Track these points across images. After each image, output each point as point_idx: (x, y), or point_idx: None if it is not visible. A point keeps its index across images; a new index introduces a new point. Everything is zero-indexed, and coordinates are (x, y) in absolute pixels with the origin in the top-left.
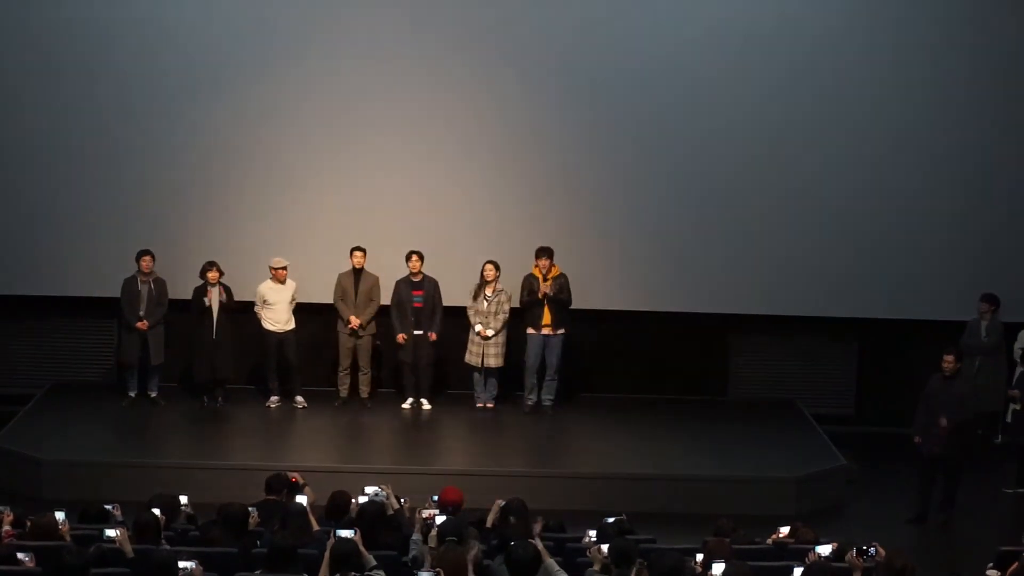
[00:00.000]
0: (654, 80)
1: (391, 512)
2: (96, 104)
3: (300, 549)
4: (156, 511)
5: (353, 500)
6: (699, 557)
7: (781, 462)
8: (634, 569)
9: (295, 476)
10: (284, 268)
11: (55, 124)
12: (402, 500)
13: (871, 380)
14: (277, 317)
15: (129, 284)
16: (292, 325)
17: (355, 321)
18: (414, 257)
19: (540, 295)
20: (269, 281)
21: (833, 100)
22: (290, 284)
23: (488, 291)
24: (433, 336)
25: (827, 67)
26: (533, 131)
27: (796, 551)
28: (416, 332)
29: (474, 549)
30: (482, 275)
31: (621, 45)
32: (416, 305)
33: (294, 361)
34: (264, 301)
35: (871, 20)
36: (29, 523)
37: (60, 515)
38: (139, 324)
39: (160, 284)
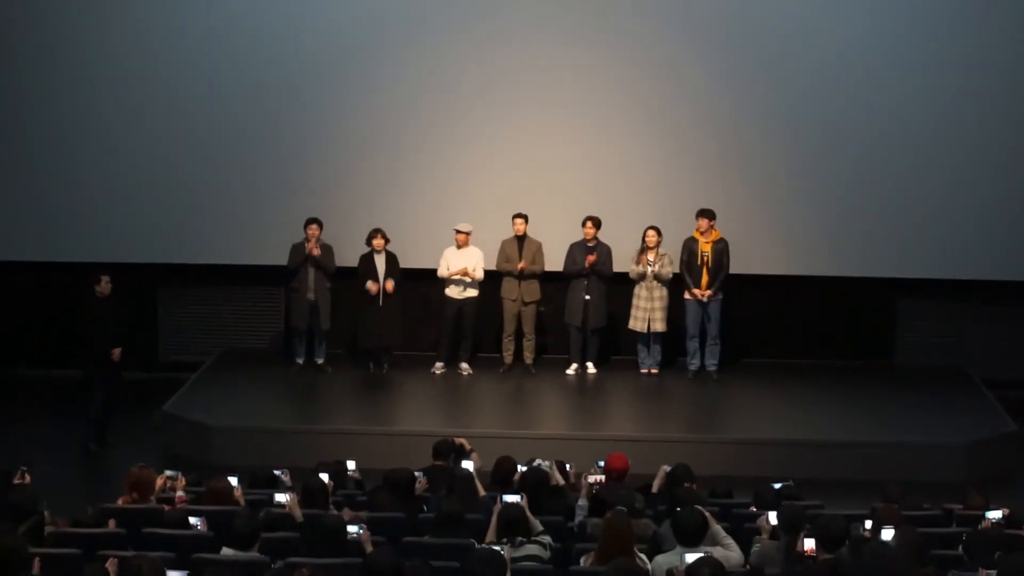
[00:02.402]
0: (821, 46)
1: (555, 484)
2: (257, 79)
3: (467, 514)
4: (324, 476)
5: (519, 467)
6: (868, 523)
7: (951, 428)
8: (801, 534)
9: (462, 441)
10: (466, 233)
11: (221, 101)
12: (568, 466)
13: None
14: (456, 285)
15: (297, 249)
16: (472, 293)
17: (521, 263)
18: (588, 223)
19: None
20: (452, 247)
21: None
22: (474, 251)
23: (650, 256)
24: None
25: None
26: (697, 96)
27: (966, 518)
28: (587, 297)
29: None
30: (644, 240)
31: (794, 10)
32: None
33: (468, 329)
34: (448, 266)
35: None
36: (205, 488)
37: (234, 480)
38: (311, 246)
39: (327, 250)
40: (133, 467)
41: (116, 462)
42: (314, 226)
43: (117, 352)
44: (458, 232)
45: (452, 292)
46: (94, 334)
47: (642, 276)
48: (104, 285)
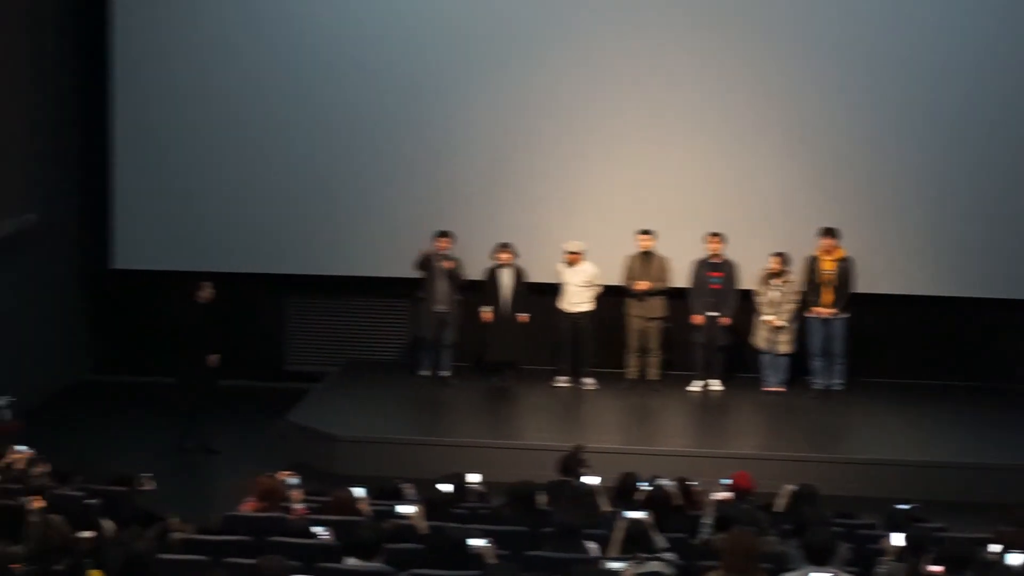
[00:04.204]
0: (941, 65)
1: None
2: (388, 93)
3: (589, 529)
4: (447, 489)
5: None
6: (994, 547)
7: None
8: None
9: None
10: (574, 253)
11: (354, 114)
12: (692, 483)
13: None
14: (569, 299)
15: (426, 261)
16: (585, 308)
17: (643, 284)
18: (711, 238)
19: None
20: (563, 264)
21: None
22: (586, 268)
23: (777, 280)
24: (726, 320)
25: None
26: (821, 116)
27: None
28: (711, 314)
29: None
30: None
31: (915, 28)
32: (713, 287)
33: (585, 343)
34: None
35: None
36: (331, 498)
37: (360, 491)
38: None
39: (456, 263)
40: (262, 476)
41: (231, 469)
42: (445, 239)
43: (213, 358)
44: (567, 252)
45: (563, 306)
46: (191, 339)
47: (771, 301)
48: (207, 291)
